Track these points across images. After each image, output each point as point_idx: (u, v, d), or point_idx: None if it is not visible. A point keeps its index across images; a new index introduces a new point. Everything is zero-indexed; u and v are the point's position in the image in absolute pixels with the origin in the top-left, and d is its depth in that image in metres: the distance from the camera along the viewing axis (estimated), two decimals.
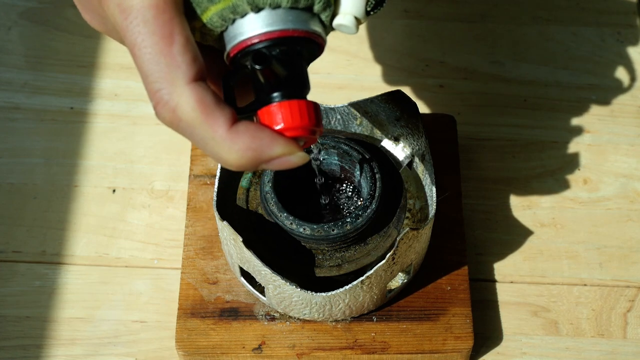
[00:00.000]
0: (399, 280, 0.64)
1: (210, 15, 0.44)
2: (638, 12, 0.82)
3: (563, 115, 0.77)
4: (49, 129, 0.75)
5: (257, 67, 0.44)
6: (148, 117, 0.75)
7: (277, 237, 0.62)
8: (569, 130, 0.76)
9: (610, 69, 0.79)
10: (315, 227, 0.60)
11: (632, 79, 0.78)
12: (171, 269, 0.69)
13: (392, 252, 0.58)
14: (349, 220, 0.60)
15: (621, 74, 0.79)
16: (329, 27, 0.47)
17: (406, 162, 0.66)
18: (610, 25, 0.81)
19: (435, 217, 0.61)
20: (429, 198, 0.64)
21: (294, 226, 0.60)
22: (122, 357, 0.65)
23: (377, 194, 0.62)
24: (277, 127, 0.45)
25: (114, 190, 0.72)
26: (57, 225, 0.70)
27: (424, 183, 0.66)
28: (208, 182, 0.69)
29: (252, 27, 0.44)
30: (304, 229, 0.60)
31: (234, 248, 0.60)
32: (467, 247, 0.68)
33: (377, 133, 0.67)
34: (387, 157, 0.66)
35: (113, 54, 0.79)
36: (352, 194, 0.66)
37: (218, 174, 0.62)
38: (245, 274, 0.63)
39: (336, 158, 0.65)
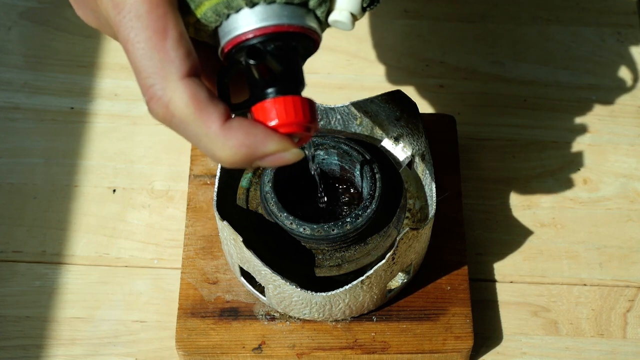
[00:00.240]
0: (399, 280, 0.64)
1: (204, 10, 0.44)
2: (638, 12, 0.82)
3: (563, 115, 0.77)
4: (49, 129, 0.75)
5: (252, 62, 0.43)
6: (148, 117, 0.75)
7: (277, 237, 0.62)
8: (568, 130, 0.76)
9: (610, 69, 0.79)
10: (315, 227, 0.60)
11: (632, 79, 0.78)
12: (171, 269, 0.69)
13: (392, 252, 0.58)
14: (349, 220, 0.60)
15: (621, 74, 0.79)
16: (324, 24, 0.46)
17: (406, 162, 0.66)
18: (610, 25, 0.81)
19: (435, 217, 0.61)
20: (429, 198, 0.64)
21: (294, 226, 0.60)
22: (122, 357, 0.65)
23: (377, 194, 0.61)
24: (271, 123, 0.44)
25: (114, 190, 0.72)
26: (57, 225, 0.70)
27: (424, 183, 0.66)
28: (208, 182, 0.69)
29: (247, 22, 0.44)
30: (304, 229, 0.60)
31: (234, 248, 0.60)
32: (467, 247, 0.68)
33: (377, 133, 0.67)
34: (387, 157, 0.66)
35: (113, 54, 0.79)
36: (352, 194, 0.66)
37: (218, 174, 0.62)
38: (245, 274, 0.63)
39: (336, 158, 0.65)
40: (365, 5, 0.46)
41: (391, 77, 0.79)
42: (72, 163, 0.73)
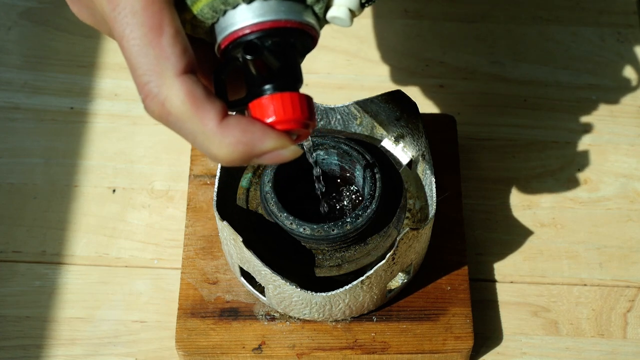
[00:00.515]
0: (399, 280, 0.64)
1: (201, 6, 0.44)
2: (638, 12, 0.82)
3: (563, 115, 0.77)
4: (49, 129, 0.75)
5: (249, 57, 0.43)
6: (148, 117, 0.74)
7: (277, 237, 0.62)
8: (568, 130, 0.76)
9: (610, 69, 0.79)
10: (315, 227, 0.60)
11: (632, 79, 0.78)
12: (171, 269, 0.69)
13: (392, 252, 0.58)
14: (349, 220, 0.60)
15: (621, 74, 0.79)
16: (322, 20, 0.46)
17: (406, 162, 0.66)
18: (610, 25, 0.81)
19: (435, 217, 0.61)
20: (429, 198, 0.64)
21: (294, 226, 0.60)
22: (122, 357, 0.65)
23: (377, 194, 0.61)
24: (269, 120, 0.44)
25: (114, 190, 0.72)
26: (57, 225, 0.70)
27: (424, 183, 0.66)
28: (208, 182, 0.69)
29: (244, 17, 0.44)
30: (304, 229, 0.60)
31: (234, 248, 0.60)
32: (467, 247, 0.68)
33: (377, 133, 0.67)
34: (387, 157, 0.66)
35: (113, 54, 0.79)
36: (352, 194, 0.66)
37: (218, 174, 0.62)
38: (245, 274, 0.63)
39: (336, 158, 0.65)
40: (363, 1, 0.46)
41: (391, 77, 0.79)
42: (72, 163, 0.73)
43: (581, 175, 0.74)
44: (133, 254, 0.69)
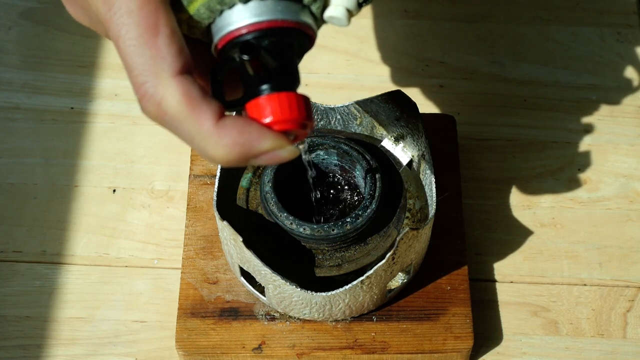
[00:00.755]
0: (399, 280, 0.64)
1: (197, 6, 0.44)
2: (638, 12, 0.82)
3: (563, 115, 0.77)
4: (49, 129, 0.75)
5: (245, 57, 0.43)
6: None
7: (277, 237, 0.62)
8: (568, 130, 0.76)
9: (610, 69, 0.79)
10: (315, 227, 0.60)
11: (632, 79, 0.78)
12: (171, 269, 0.69)
13: (392, 252, 0.58)
14: (349, 220, 0.60)
15: (621, 74, 0.79)
16: (320, 20, 0.46)
17: (406, 162, 0.66)
18: (610, 25, 0.81)
19: (435, 217, 0.61)
20: (429, 198, 0.64)
21: (294, 226, 0.60)
22: (122, 357, 0.65)
23: (377, 194, 0.61)
24: (266, 121, 0.43)
25: (114, 190, 0.72)
26: (57, 225, 0.70)
27: (424, 183, 0.66)
28: (208, 182, 0.69)
29: (240, 17, 0.44)
30: (304, 229, 0.60)
31: (234, 248, 0.60)
32: (467, 247, 0.68)
33: (377, 133, 0.67)
34: (387, 157, 0.66)
35: (113, 53, 0.79)
36: (352, 194, 0.66)
37: (218, 174, 0.62)
38: (245, 274, 0.63)
39: (336, 158, 0.65)
40: (361, 1, 0.46)
41: (391, 77, 0.79)
42: (72, 163, 0.73)
43: (581, 175, 0.74)
44: (133, 254, 0.69)
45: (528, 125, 0.76)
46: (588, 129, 0.76)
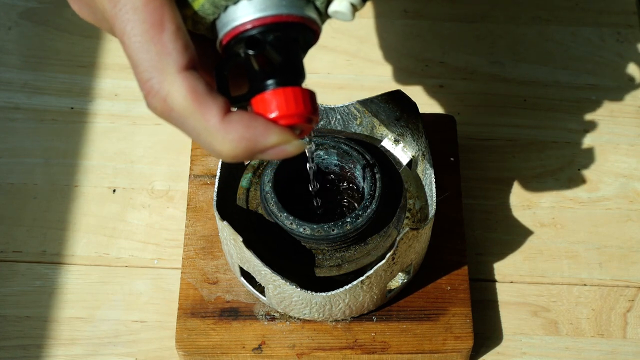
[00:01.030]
0: (399, 280, 0.64)
1: (202, 2, 0.44)
2: (638, 12, 0.82)
3: (563, 115, 0.77)
4: (49, 129, 0.75)
5: (251, 52, 0.43)
6: (148, 117, 0.75)
7: (277, 237, 0.62)
8: (568, 130, 0.76)
9: (610, 69, 0.79)
10: (315, 227, 0.60)
11: (632, 79, 0.78)
12: (171, 269, 0.69)
13: (392, 252, 0.58)
14: (349, 220, 0.60)
15: (621, 74, 0.79)
16: (324, 15, 0.46)
17: (406, 162, 0.66)
18: (610, 25, 0.81)
19: (435, 217, 0.61)
20: (429, 198, 0.64)
21: (294, 226, 0.60)
22: (122, 357, 0.65)
23: (377, 194, 0.61)
24: (272, 115, 0.44)
25: (114, 190, 0.72)
26: (57, 225, 0.70)
27: (424, 183, 0.66)
28: (208, 182, 0.69)
29: (245, 12, 0.44)
30: (304, 229, 0.60)
31: (234, 248, 0.60)
32: (467, 247, 0.68)
33: (377, 133, 0.67)
34: (387, 157, 0.66)
35: (113, 54, 0.79)
36: (352, 194, 0.66)
37: (218, 174, 0.62)
38: (245, 274, 0.63)
39: (336, 158, 0.65)
40: None
41: (391, 77, 0.79)
42: (72, 163, 0.73)
43: (581, 175, 0.74)
44: (133, 254, 0.69)
45: (528, 125, 0.76)
46: (588, 129, 0.76)
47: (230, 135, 0.43)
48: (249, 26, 0.44)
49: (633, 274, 0.69)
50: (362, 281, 0.58)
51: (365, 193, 0.62)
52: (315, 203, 0.64)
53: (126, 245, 0.70)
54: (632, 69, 0.79)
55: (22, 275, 0.68)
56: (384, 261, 0.58)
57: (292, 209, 0.61)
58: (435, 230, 0.65)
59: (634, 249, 0.70)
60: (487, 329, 0.67)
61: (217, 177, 0.62)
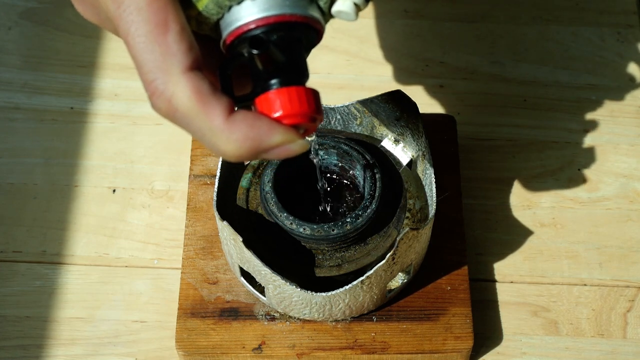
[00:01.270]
0: (399, 280, 0.64)
1: (206, 2, 0.44)
2: (638, 12, 0.82)
3: (563, 115, 0.77)
4: (49, 129, 0.75)
5: (255, 51, 0.43)
6: (148, 117, 0.75)
7: (277, 237, 0.62)
8: (568, 130, 0.76)
9: (610, 69, 0.79)
10: (315, 227, 0.60)
11: (632, 79, 0.78)
12: (171, 269, 0.69)
13: (392, 252, 0.58)
14: (349, 220, 0.60)
15: (621, 74, 0.79)
16: (327, 14, 0.46)
17: (406, 162, 0.66)
18: (610, 25, 0.81)
19: (435, 217, 0.61)
20: (429, 198, 0.64)
21: (294, 226, 0.60)
22: (122, 357, 0.65)
23: (377, 194, 0.61)
24: (276, 115, 0.44)
25: (114, 190, 0.72)
26: (57, 225, 0.70)
27: (424, 183, 0.66)
28: (208, 182, 0.69)
29: (249, 12, 0.44)
30: (304, 229, 0.60)
31: (234, 248, 0.60)
32: (467, 247, 0.68)
33: (377, 133, 0.67)
34: (387, 157, 0.66)
35: (113, 53, 0.79)
36: (352, 194, 0.66)
37: (218, 174, 0.62)
38: (245, 274, 0.63)
39: (336, 158, 0.65)
40: None
41: (391, 77, 0.79)
42: (72, 163, 0.73)
43: (581, 175, 0.74)
44: (133, 254, 0.69)
45: (528, 125, 0.76)
46: (588, 129, 0.76)
47: (234, 135, 0.43)
48: (252, 26, 0.44)
49: (633, 274, 0.69)
50: (362, 281, 0.58)
51: (365, 193, 0.62)
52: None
53: (126, 245, 0.70)
54: (632, 68, 0.79)
55: (22, 275, 0.68)
56: (384, 261, 0.58)
57: (292, 209, 0.61)
58: (435, 230, 0.65)
59: (634, 249, 0.70)
60: (487, 329, 0.67)
61: (217, 177, 0.62)
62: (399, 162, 0.66)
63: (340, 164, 0.65)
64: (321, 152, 0.64)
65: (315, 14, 0.45)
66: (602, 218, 0.72)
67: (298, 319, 0.63)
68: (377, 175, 0.62)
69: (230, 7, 0.44)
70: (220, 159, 0.63)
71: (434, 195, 0.62)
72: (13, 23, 0.80)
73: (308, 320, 0.63)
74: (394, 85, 0.78)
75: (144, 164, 0.74)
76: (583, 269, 0.69)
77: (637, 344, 0.66)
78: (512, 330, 0.67)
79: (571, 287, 0.69)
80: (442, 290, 0.65)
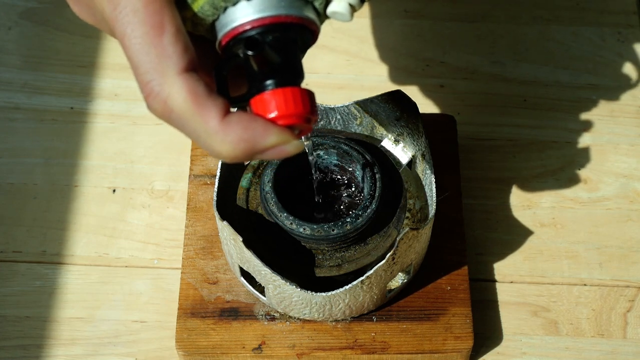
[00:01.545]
0: (399, 280, 0.64)
1: (201, 4, 0.44)
2: (638, 12, 0.82)
3: (563, 115, 0.77)
4: (49, 129, 0.75)
5: (250, 52, 0.43)
6: (148, 117, 0.75)
7: (277, 237, 0.62)
8: (568, 130, 0.76)
9: (610, 69, 0.79)
10: (315, 227, 0.60)
11: (632, 78, 0.78)
12: (171, 269, 0.69)
13: (392, 252, 0.58)
14: (349, 220, 0.60)
15: (621, 74, 0.79)
16: (322, 15, 0.46)
17: (406, 162, 0.66)
18: (611, 25, 0.81)
19: (435, 217, 0.61)
20: (429, 198, 0.64)
21: (294, 226, 0.60)
22: (122, 357, 0.65)
23: (377, 194, 0.61)
24: (271, 115, 0.44)
25: (114, 190, 0.72)
26: (57, 225, 0.70)
27: (424, 183, 0.66)
28: (208, 182, 0.69)
29: (244, 13, 0.44)
30: (304, 229, 0.60)
31: (234, 248, 0.60)
32: (467, 247, 0.68)
33: (377, 133, 0.67)
34: (387, 157, 0.66)
35: (113, 53, 0.79)
36: (351, 194, 0.66)
37: (218, 174, 0.62)
38: (245, 274, 0.63)
39: (336, 158, 0.65)
40: None
41: (391, 77, 0.79)
42: (72, 163, 0.73)
43: (581, 175, 0.74)
44: (133, 254, 0.69)
45: (528, 125, 0.76)
46: (588, 129, 0.76)
47: (229, 136, 0.43)
48: (248, 27, 0.44)
49: (633, 274, 0.69)
50: (362, 281, 0.58)
51: (365, 193, 0.62)
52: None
53: (126, 245, 0.70)
54: (632, 69, 0.79)
55: (22, 275, 0.68)
56: (384, 261, 0.58)
57: (292, 209, 0.61)
58: (435, 230, 0.65)
59: (634, 249, 0.70)
60: (487, 329, 0.67)
61: (217, 177, 0.62)
62: (399, 162, 0.66)
63: (340, 164, 0.65)
64: (321, 152, 0.64)
65: (311, 14, 0.45)
66: (602, 218, 0.72)
67: (298, 319, 0.63)
68: (377, 175, 0.62)
69: (225, 8, 0.44)
70: (220, 160, 0.63)
71: (434, 195, 0.62)
72: (13, 23, 0.80)
73: (308, 320, 0.63)
74: (394, 85, 0.78)
75: (144, 164, 0.74)
76: (583, 269, 0.69)
77: (637, 344, 0.66)
78: (512, 330, 0.67)
79: (571, 287, 0.69)
80: (442, 290, 0.65)
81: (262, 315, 0.64)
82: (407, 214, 0.65)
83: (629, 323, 0.67)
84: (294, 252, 0.62)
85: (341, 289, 0.59)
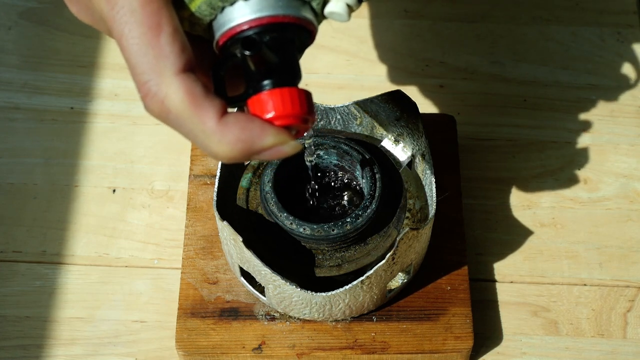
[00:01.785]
0: (399, 280, 0.64)
1: (198, 4, 0.44)
2: (638, 12, 0.82)
3: (563, 115, 0.77)
4: (49, 129, 0.75)
5: (247, 52, 0.43)
6: (148, 117, 0.74)
7: (277, 237, 0.62)
8: (568, 130, 0.76)
9: (610, 69, 0.79)
10: (315, 227, 0.60)
11: (632, 78, 0.78)
12: (171, 269, 0.69)
13: (392, 252, 0.58)
14: (349, 220, 0.60)
15: (621, 74, 0.79)
16: (320, 15, 0.46)
17: (406, 162, 0.66)
18: (610, 25, 0.81)
19: (435, 217, 0.61)
20: (429, 198, 0.64)
21: (294, 226, 0.60)
22: (122, 357, 0.65)
23: (377, 194, 0.61)
24: (268, 116, 0.44)
25: (114, 190, 0.72)
26: (57, 225, 0.70)
27: (424, 183, 0.66)
28: (208, 182, 0.69)
29: (242, 13, 0.44)
30: (304, 229, 0.60)
31: (234, 248, 0.60)
32: (467, 247, 0.68)
33: (377, 133, 0.67)
34: (387, 157, 0.66)
35: (113, 54, 0.79)
36: (352, 194, 0.66)
37: (218, 174, 0.62)
38: (245, 274, 0.63)
39: (336, 158, 0.65)
40: None
41: (391, 77, 0.79)
42: (72, 163, 0.73)
43: (581, 175, 0.74)
44: (133, 254, 0.69)
45: (528, 125, 0.76)
46: (588, 129, 0.76)
47: (226, 137, 0.43)
48: (245, 27, 0.44)
49: (633, 274, 0.69)
50: (362, 281, 0.58)
51: (365, 193, 0.62)
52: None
53: (126, 245, 0.70)
54: (632, 69, 0.79)
55: (22, 275, 0.68)
56: (384, 261, 0.58)
57: (292, 209, 0.61)
58: (435, 230, 0.65)
59: (634, 249, 0.70)
60: (487, 329, 0.67)
61: (217, 177, 0.62)
62: (398, 162, 0.66)
63: (340, 164, 0.65)
64: (321, 152, 0.64)
65: (308, 15, 0.45)
66: (602, 218, 0.72)
67: (298, 319, 0.63)
68: (377, 175, 0.62)
69: (223, 8, 0.44)
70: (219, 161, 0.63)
71: (434, 195, 0.62)
72: (13, 23, 0.80)
73: (308, 320, 0.63)
74: (393, 85, 0.78)
75: (144, 164, 0.74)
76: (583, 269, 0.69)
77: (637, 344, 0.66)
78: (512, 330, 0.67)
79: (571, 287, 0.69)
80: (442, 290, 0.65)
81: (262, 315, 0.64)
82: (407, 214, 0.65)
83: (629, 323, 0.67)
84: (294, 252, 0.62)
85: (341, 289, 0.59)
